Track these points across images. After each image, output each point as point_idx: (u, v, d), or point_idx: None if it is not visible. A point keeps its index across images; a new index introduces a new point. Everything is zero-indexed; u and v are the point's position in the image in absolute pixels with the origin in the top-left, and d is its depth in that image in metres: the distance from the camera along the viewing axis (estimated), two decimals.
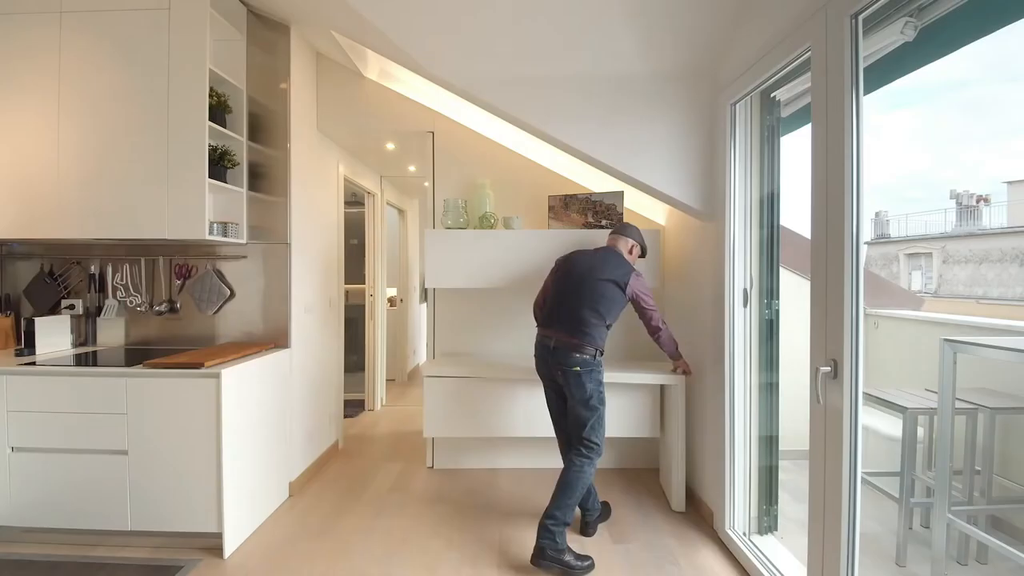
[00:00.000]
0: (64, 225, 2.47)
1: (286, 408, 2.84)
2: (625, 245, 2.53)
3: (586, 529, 2.50)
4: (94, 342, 2.88)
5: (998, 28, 1.49)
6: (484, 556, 2.29)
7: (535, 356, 2.48)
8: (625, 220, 3.16)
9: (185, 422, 2.23)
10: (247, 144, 2.79)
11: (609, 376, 2.92)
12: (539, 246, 3.05)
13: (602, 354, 2.36)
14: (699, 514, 2.68)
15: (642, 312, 2.45)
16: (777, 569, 2.01)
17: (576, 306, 2.34)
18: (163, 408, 2.24)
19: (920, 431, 2.36)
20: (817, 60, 1.64)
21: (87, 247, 2.85)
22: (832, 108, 1.56)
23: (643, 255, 2.62)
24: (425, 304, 3.48)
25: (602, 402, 2.34)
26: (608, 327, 2.36)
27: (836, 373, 1.55)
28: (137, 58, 2.45)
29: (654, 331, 2.50)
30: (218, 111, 2.60)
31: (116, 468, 2.26)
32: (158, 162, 2.44)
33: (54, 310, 2.84)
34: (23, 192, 2.48)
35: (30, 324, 2.61)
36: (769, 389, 2.32)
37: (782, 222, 2.27)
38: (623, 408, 2.98)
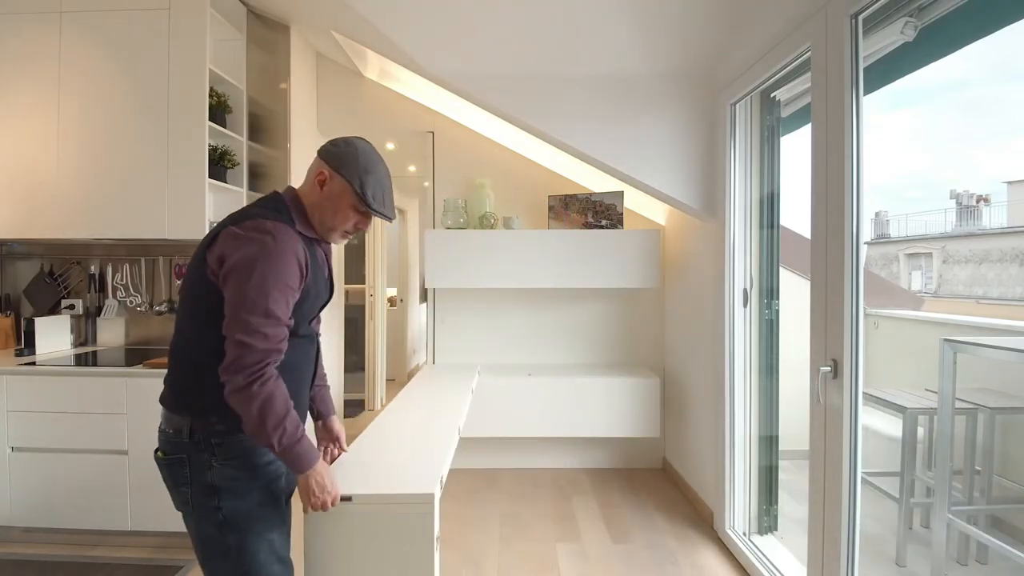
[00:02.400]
0: (64, 225, 2.47)
1: None
2: (312, 172, 1.22)
3: None
4: (94, 342, 2.88)
5: (998, 28, 1.49)
6: (484, 556, 2.29)
7: None
8: (625, 220, 3.16)
9: None
10: (247, 144, 2.79)
11: (597, 380, 2.92)
12: (539, 246, 3.06)
13: (226, 433, 1.12)
14: (699, 514, 2.68)
15: (228, 312, 1.07)
16: (777, 569, 2.01)
17: (176, 330, 1.20)
18: None
19: (920, 431, 2.35)
20: (817, 60, 1.64)
21: (87, 247, 2.85)
22: (832, 108, 1.56)
23: (368, 207, 1.19)
24: (425, 304, 3.48)
25: (244, 534, 1.13)
26: (211, 370, 1.07)
27: (836, 373, 1.55)
28: (137, 58, 2.45)
29: (231, 383, 1.05)
30: (218, 111, 2.60)
31: (116, 468, 2.25)
32: (158, 162, 2.44)
33: (54, 310, 2.84)
34: (23, 192, 2.48)
35: (30, 324, 2.61)
36: (769, 389, 2.32)
37: (782, 222, 2.27)
38: (623, 408, 2.98)
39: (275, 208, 1.17)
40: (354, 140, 1.23)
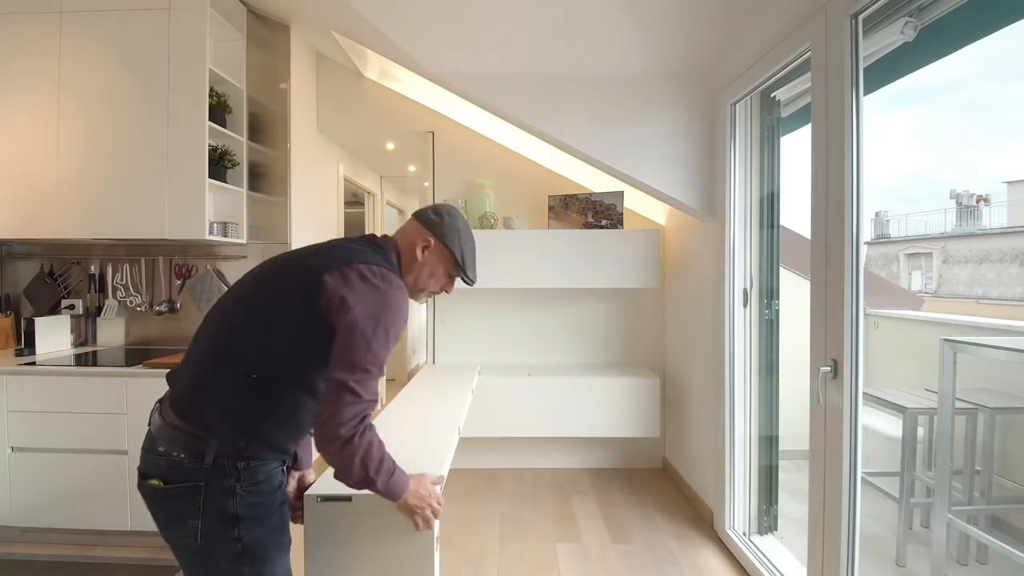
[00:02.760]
0: (64, 225, 2.47)
1: None
2: (415, 236, 1.26)
3: None
4: (94, 342, 2.88)
5: (998, 28, 1.49)
6: (484, 556, 2.29)
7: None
8: (625, 220, 3.16)
9: None
10: (247, 144, 2.79)
11: (597, 380, 2.93)
12: (539, 246, 3.06)
13: (252, 459, 1.06)
14: (699, 514, 2.68)
15: (335, 362, 1.04)
16: (777, 569, 2.01)
17: (212, 341, 1.11)
18: None
19: (920, 431, 2.36)
20: (817, 60, 1.64)
21: (87, 247, 2.85)
22: (832, 108, 1.56)
23: (462, 276, 1.30)
24: (425, 304, 3.48)
25: (260, 563, 1.08)
26: (270, 395, 1.07)
27: (836, 373, 1.55)
28: (137, 58, 2.45)
29: (333, 436, 1.02)
30: (218, 111, 2.60)
31: (116, 468, 2.25)
32: (158, 162, 2.44)
33: (54, 310, 2.84)
34: (23, 192, 2.48)
35: (30, 324, 2.61)
36: (769, 389, 2.32)
37: (782, 222, 2.27)
38: (623, 408, 2.98)
39: (388, 259, 1.19)
40: (452, 210, 1.29)
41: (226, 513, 1.04)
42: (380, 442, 1.07)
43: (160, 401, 1.14)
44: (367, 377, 1.03)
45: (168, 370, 1.16)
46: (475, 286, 3.06)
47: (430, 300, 3.37)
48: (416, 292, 1.27)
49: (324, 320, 1.04)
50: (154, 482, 1.05)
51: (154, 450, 1.06)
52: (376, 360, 1.04)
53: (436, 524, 1.23)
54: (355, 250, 1.14)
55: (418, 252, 1.23)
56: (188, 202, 2.45)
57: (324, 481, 1.30)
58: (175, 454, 1.04)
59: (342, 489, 1.21)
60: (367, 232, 1.28)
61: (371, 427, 1.05)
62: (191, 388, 1.08)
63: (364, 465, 1.03)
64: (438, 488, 1.23)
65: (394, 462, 1.10)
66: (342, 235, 3.74)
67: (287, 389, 1.08)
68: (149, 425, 1.11)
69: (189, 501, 1.03)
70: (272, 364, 1.06)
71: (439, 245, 1.25)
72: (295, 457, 1.25)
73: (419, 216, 1.27)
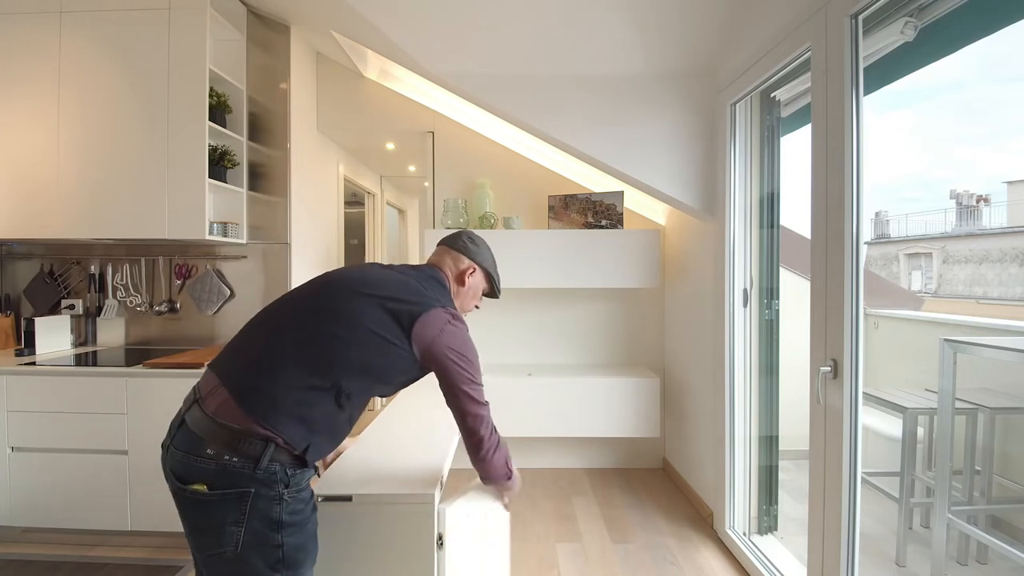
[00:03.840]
0: (64, 225, 2.47)
1: None
2: (455, 264, 1.40)
3: None
4: (94, 342, 2.88)
5: (998, 28, 1.49)
6: None
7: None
8: (625, 220, 3.16)
9: None
10: (247, 144, 2.79)
11: (597, 380, 2.92)
12: (539, 246, 3.06)
13: (301, 465, 1.09)
14: (699, 514, 2.68)
15: (453, 402, 1.23)
16: (777, 569, 2.01)
17: (288, 338, 1.13)
18: (163, 408, 2.23)
19: (920, 431, 2.36)
20: (817, 60, 1.64)
21: (87, 247, 2.85)
22: (832, 108, 1.56)
23: (492, 293, 1.50)
24: None
25: (295, 568, 1.08)
26: (343, 406, 1.13)
27: (836, 373, 1.55)
28: (137, 58, 2.45)
29: (476, 450, 1.31)
30: (218, 111, 2.60)
31: (116, 468, 2.25)
32: (158, 162, 2.44)
33: (54, 310, 2.84)
34: (23, 192, 2.48)
35: (30, 324, 2.61)
36: (769, 389, 2.32)
37: (782, 222, 2.27)
38: (623, 408, 2.98)
39: (449, 294, 1.36)
40: (477, 236, 1.48)
41: (272, 519, 1.03)
42: (504, 451, 1.38)
43: (197, 397, 1.10)
44: (482, 408, 1.25)
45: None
46: None
47: None
48: (460, 314, 1.40)
49: (416, 357, 1.18)
50: (197, 487, 1.01)
51: (199, 452, 1.02)
52: (476, 381, 1.24)
53: (436, 525, 1.24)
54: (437, 291, 1.30)
55: (467, 279, 1.40)
56: (188, 202, 2.45)
57: (324, 481, 1.30)
58: (227, 457, 1.01)
59: (342, 489, 1.21)
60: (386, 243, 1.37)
61: (498, 440, 1.34)
62: (253, 386, 1.06)
63: (508, 464, 1.38)
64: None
65: (512, 465, 1.43)
66: (342, 235, 3.75)
67: (353, 402, 1.15)
68: (183, 423, 1.07)
69: (235, 507, 1.01)
70: (359, 380, 1.13)
71: (478, 270, 1.43)
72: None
73: (456, 246, 1.43)
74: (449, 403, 1.23)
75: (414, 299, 1.20)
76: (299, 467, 1.08)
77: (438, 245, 1.47)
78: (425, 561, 1.22)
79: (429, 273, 1.34)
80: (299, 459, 1.08)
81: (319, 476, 1.32)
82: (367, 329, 1.13)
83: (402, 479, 1.35)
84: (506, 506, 1.50)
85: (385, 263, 1.41)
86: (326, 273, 1.28)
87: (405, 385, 1.25)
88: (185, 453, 1.04)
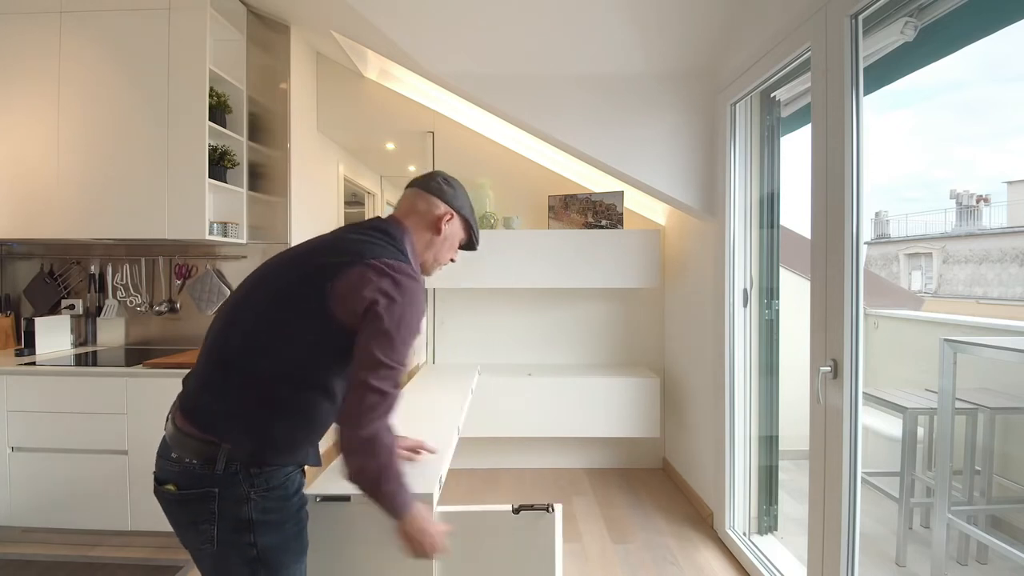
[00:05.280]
0: (64, 225, 2.47)
1: None
2: (429, 210, 1.23)
3: None
4: (94, 342, 2.88)
5: (998, 28, 1.49)
6: None
7: None
8: (625, 220, 3.16)
9: None
10: (247, 144, 2.79)
11: (597, 380, 2.90)
12: (539, 246, 3.06)
13: (264, 465, 1.05)
14: (699, 514, 2.68)
15: (358, 354, 1.02)
16: (777, 569, 2.01)
17: (221, 345, 1.09)
18: (163, 408, 2.20)
19: (920, 431, 2.36)
20: (817, 60, 1.64)
21: (87, 247, 2.85)
22: (832, 108, 1.56)
23: (470, 244, 1.34)
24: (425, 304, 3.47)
25: (276, 569, 1.06)
26: (287, 401, 1.05)
27: (836, 373, 1.55)
28: (137, 58, 2.45)
29: (355, 430, 1.00)
30: (218, 111, 2.60)
31: (116, 468, 2.25)
32: (158, 162, 2.44)
33: (54, 310, 2.84)
34: (23, 192, 2.48)
35: (30, 324, 2.61)
36: (769, 389, 2.32)
37: (782, 222, 2.27)
38: (623, 408, 2.98)
39: (401, 247, 1.14)
40: (454, 179, 1.27)
41: (240, 519, 1.03)
42: (396, 451, 1.05)
43: (173, 405, 1.12)
44: (391, 374, 1.01)
45: (183, 372, 1.14)
46: (475, 286, 3.09)
47: (429, 301, 3.37)
48: (432, 267, 1.25)
49: (341, 321, 1.02)
50: (169, 487, 1.04)
51: (167, 456, 1.05)
52: (397, 356, 1.01)
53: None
54: (367, 244, 1.09)
55: (443, 226, 1.21)
56: (188, 202, 2.45)
57: (323, 481, 1.30)
58: (188, 460, 1.03)
59: (342, 489, 1.21)
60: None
61: (391, 429, 1.03)
62: (200, 393, 1.07)
63: (379, 461, 1.01)
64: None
65: (405, 480, 1.06)
66: None
67: (301, 391, 1.05)
68: (165, 430, 1.10)
69: (203, 507, 1.02)
70: (285, 367, 1.04)
71: (455, 216, 1.23)
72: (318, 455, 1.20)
73: (429, 188, 1.22)
74: (359, 355, 1.01)
75: (334, 259, 1.05)
76: (267, 465, 1.04)
77: (407, 188, 1.26)
78: (424, 561, 1.22)
79: (374, 226, 1.16)
80: (257, 461, 1.04)
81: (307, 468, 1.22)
82: (284, 311, 1.04)
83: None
84: (413, 553, 1.09)
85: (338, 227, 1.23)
86: (264, 263, 1.16)
87: (350, 353, 1.04)
88: (160, 457, 1.08)
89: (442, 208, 1.22)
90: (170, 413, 1.11)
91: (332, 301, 1.01)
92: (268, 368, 1.03)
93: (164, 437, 1.09)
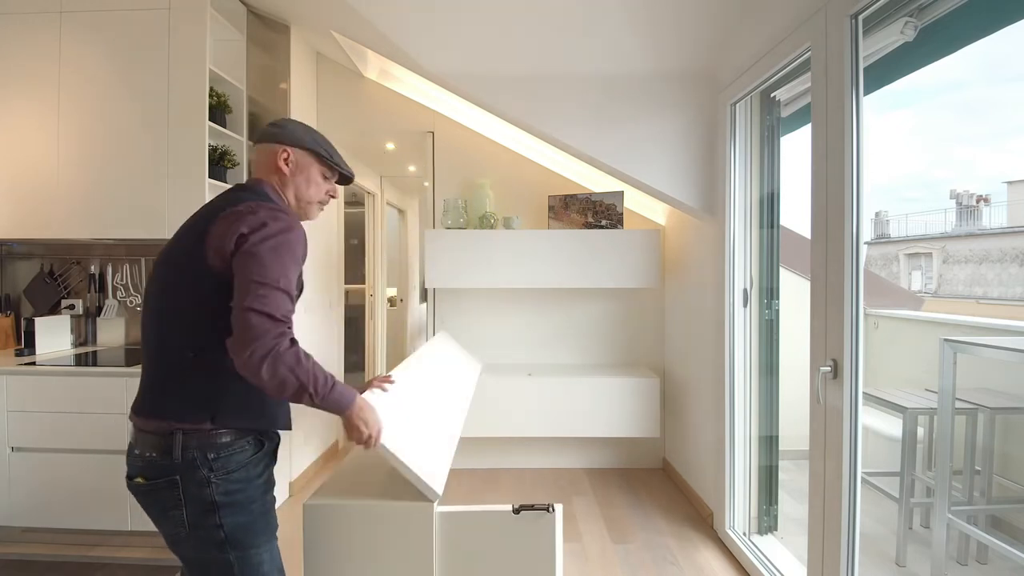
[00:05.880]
0: (64, 225, 2.47)
1: None
2: (267, 159, 1.22)
3: None
4: (94, 342, 2.88)
5: (998, 29, 1.49)
6: None
7: None
8: (625, 220, 3.16)
9: None
10: (247, 144, 2.79)
11: (597, 380, 2.91)
12: (539, 246, 3.06)
13: (228, 443, 1.09)
14: (699, 514, 2.68)
15: (237, 285, 1.04)
16: (777, 569, 2.01)
17: (143, 334, 1.16)
18: None
19: (920, 431, 2.36)
20: (817, 60, 1.64)
21: (87, 247, 2.85)
22: (832, 108, 1.56)
23: (337, 177, 1.31)
24: (425, 304, 3.48)
25: (246, 548, 1.11)
26: (208, 358, 1.07)
27: (836, 373, 1.55)
28: (137, 58, 2.45)
29: (249, 356, 1.00)
30: (218, 111, 2.60)
31: (116, 468, 2.24)
32: (158, 162, 2.44)
33: (54, 310, 2.84)
34: (23, 192, 2.48)
35: (30, 324, 2.61)
36: (769, 389, 2.32)
37: (782, 222, 2.27)
38: (623, 408, 2.98)
39: (261, 195, 1.16)
40: (288, 118, 1.28)
41: (205, 501, 1.07)
42: (307, 355, 1.05)
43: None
44: (269, 293, 1.00)
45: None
46: (475, 286, 3.09)
47: (423, 291, 3.37)
48: (305, 207, 1.25)
49: (222, 274, 1.05)
50: (138, 480, 1.11)
51: (131, 452, 1.13)
52: (272, 275, 1.02)
53: (434, 526, 1.23)
54: (227, 199, 1.14)
55: (281, 165, 1.20)
56: (188, 202, 2.45)
57: (322, 488, 1.30)
58: (148, 454, 1.09)
59: (340, 498, 1.20)
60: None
61: (293, 341, 1.03)
62: (144, 390, 1.14)
63: (290, 377, 1.01)
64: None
65: (332, 375, 1.09)
66: (342, 235, 3.75)
67: (222, 354, 1.03)
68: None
69: (170, 494, 1.08)
70: (198, 337, 1.07)
71: (296, 149, 1.21)
72: (288, 418, 1.23)
73: (261, 137, 1.24)
74: (236, 289, 1.02)
75: (204, 215, 1.11)
76: (224, 449, 1.08)
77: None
78: (424, 563, 1.22)
79: (237, 187, 1.22)
80: (223, 441, 1.08)
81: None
82: (175, 275, 1.10)
83: (402, 480, 1.35)
84: (357, 440, 1.14)
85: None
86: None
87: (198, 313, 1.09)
88: (127, 455, 1.16)
89: (275, 149, 1.21)
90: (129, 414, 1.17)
91: (209, 257, 1.04)
92: (183, 342, 1.08)
93: (130, 439, 1.17)
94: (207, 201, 1.24)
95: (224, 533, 1.08)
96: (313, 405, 1.06)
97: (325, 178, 1.27)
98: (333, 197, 1.30)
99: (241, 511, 1.10)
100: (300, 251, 1.10)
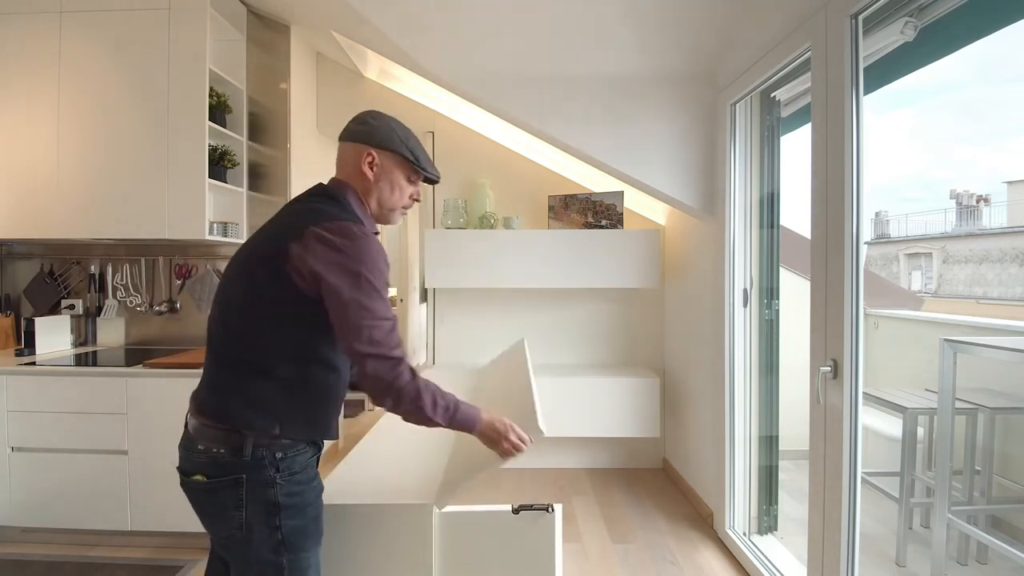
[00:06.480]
0: (64, 225, 2.47)
1: None
2: (353, 159, 1.17)
3: None
4: (94, 342, 2.88)
5: (998, 29, 1.49)
6: None
7: None
8: (625, 220, 3.16)
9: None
10: (247, 144, 2.79)
11: (597, 380, 2.91)
12: (539, 246, 3.06)
13: (291, 446, 1.08)
14: (699, 514, 2.68)
15: (336, 331, 1.05)
16: (777, 569, 2.01)
17: (212, 339, 1.13)
18: (163, 408, 2.23)
19: (920, 431, 2.36)
20: (817, 60, 1.64)
21: (87, 247, 2.85)
22: (832, 108, 1.56)
23: (425, 178, 1.23)
24: (425, 304, 3.48)
25: (298, 552, 1.08)
26: (281, 375, 1.06)
27: (836, 373, 1.55)
28: (137, 58, 2.45)
29: (376, 393, 1.06)
30: (218, 111, 2.60)
31: (116, 468, 2.25)
32: (158, 162, 2.44)
33: (54, 310, 2.84)
34: (23, 192, 2.48)
35: (30, 324, 2.61)
36: (769, 389, 2.32)
37: (782, 222, 2.27)
38: (623, 408, 2.98)
39: (344, 205, 1.12)
40: (376, 113, 1.19)
41: (268, 503, 1.05)
42: (426, 383, 1.07)
43: (192, 400, 1.13)
44: (377, 327, 1.02)
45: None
46: (475, 286, 3.09)
47: (423, 291, 3.37)
48: (387, 214, 1.20)
49: (304, 293, 1.03)
50: (197, 478, 1.06)
51: (193, 448, 1.07)
52: (376, 311, 1.03)
53: (434, 528, 1.23)
54: (308, 213, 1.09)
55: (366, 170, 1.14)
56: (188, 202, 2.45)
57: (327, 486, 1.30)
58: (215, 450, 1.05)
59: (341, 494, 1.20)
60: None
61: (412, 372, 1.06)
62: (209, 390, 1.10)
63: (419, 406, 1.06)
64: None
65: (455, 397, 1.12)
66: None
67: (299, 367, 1.07)
68: (186, 425, 1.12)
69: (232, 494, 1.04)
70: (273, 348, 1.06)
71: (382, 152, 1.15)
72: (337, 428, 1.22)
73: (348, 135, 1.17)
74: (339, 330, 1.03)
75: (283, 234, 1.06)
76: (291, 449, 1.07)
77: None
78: (424, 566, 1.22)
79: (319, 191, 1.17)
80: (286, 442, 1.07)
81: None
82: (254, 293, 1.06)
83: (402, 483, 1.35)
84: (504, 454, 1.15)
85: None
86: (241, 247, 1.18)
87: (323, 330, 1.07)
88: (184, 450, 1.10)
89: (360, 150, 1.15)
90: (189, 408, 1.13)
91: (294, 280, 1.02)
92: (262, 354, 1.06)
93: (187, 432, 1.11)
94: (292, 200, 1.21)
95: (282, 535, 1.06)
96: (444, 427, 1.11)
97: (410, 181, 1.20)
98: (417, 201, 1.24)
99: (298, 514, 1.08)
100: (387, 270, 1.09)
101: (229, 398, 1.06)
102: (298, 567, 1.08)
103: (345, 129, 1.18)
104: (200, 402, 1.09)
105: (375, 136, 1.15)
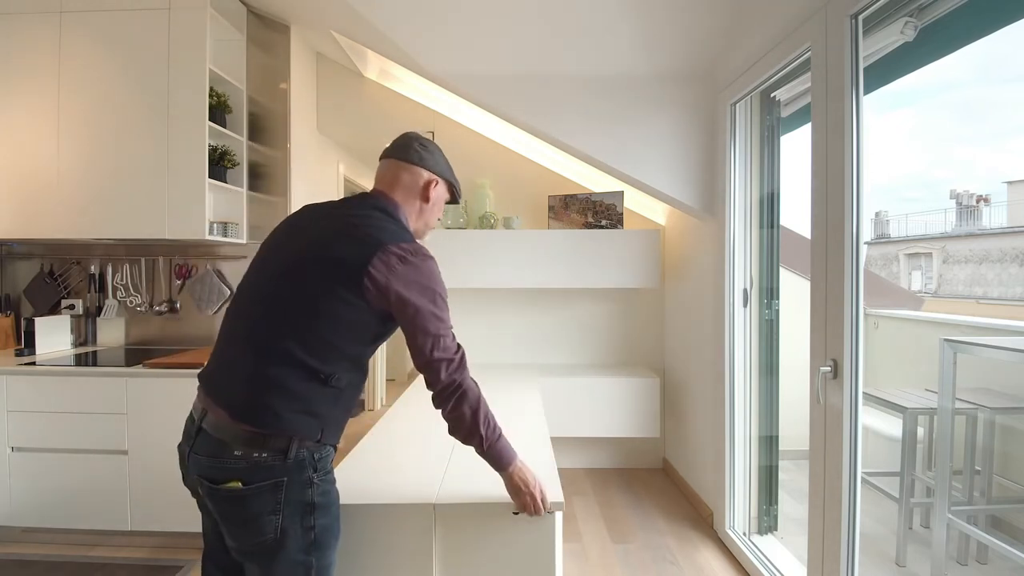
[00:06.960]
0: (64, 225, 2.47)
1: None
2: (414, 180, 1.22)
3: None
4: (94, 342, 2.88)
5: (998, 28, 1.49)
6: None
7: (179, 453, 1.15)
8: (625, 220, 3.16)
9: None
10: (247, 144, 2.79)
11: (597, 380, 2.92)
12: (539, 246, 3.06)
13: (324, 447, 1.10)
14: (699, 514, 2.68)
15: (413, 342, 1.10)
16: (777, 569, 2.01)
17: (256, 339, 1.08)
18: (163, 408, 2.23)
19: (920, 431, 2.36)
20: (817, 60, 1.64)
21: (87, 247, 2.85)
22: (832, 108, 1.56)
23: (453, 200, 1.34)
24: None
25: (323, 551, 1.09)
26: (336, 383, 1.08)
27: (836, 373, 1.55)
28: (137, 58, 2.45)
29: (442, 395, 1.12)
30: (218, 111, 2.60)
31: (116, 468, 2.25)
32: (158, 162, 2.44)
33: (54, 310, 2.84)
34: (23, 192, 2.48)
35: (30, 324, 2.61)
36: (769, 389, 2.32)
37: (782, 222, 2.27)
38: (623, 408, 2.98)
39: (403, 224, 1.18)
40: (425, 139, 1.26)
41: (304, 503, 1.05)
42: (482, 395, 1.15)
43: (207, 405, 1.08)
44: (446, 339, 1.11)
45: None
46: (475, 286, 3.09)
47: None
48: (423, 232, 1.28)
49: (379, 309, 1.07)
50: (232, 485, 1.02)
51: (227, 455, 1.02)
52: (445, 323, 1.12)
53: (434, 529, 1.23)
54: (376, 227, 1.11)
55: (430, 194, 1.23)
56: (188, 202, 2.45)
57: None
58: (256, 455, 1.02)
59: (344, 500, 1.20)
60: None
61: (474, 382, 1.15)
62: (249, 391, 1.04)
63: (476, 409, 1.12)
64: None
65: (502, 439, 1.16)
66: None
67: (351, 375, 1.11)
68: (201, 429, 1.07)
69: (271, 498, 1.03)
70: (329, 354, 1.06)
71: (439, 181, 1.25)
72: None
73: (408, 158, 1.21)
74: (418, 339, 1.09)
75: (356, 248, 1.07)
76: (323, 449, 1.10)
77: (383, 159, 1.24)
78: (425, 567, 1.22)
79: (372, 204, 1.17)
80: (320, 442, 1.09)
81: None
82: (319, 301, 1.05)
83: (403, 484, 1.35)
84: (526, 507, 1.17)
85: (321, 203, 1.23)
86: (267, 244, 1.18)
87: (384, 338, 1.16)
88: (211, 457, 1.04)
89: (426, 176, 1.22)
90: (201, 412, 1.08)
91: (370, 293, 1.05)
92: (316, 358, 1.05)
93: (209, 437, 1.05)
94: (338, 203, 1.22)
95: (315, 535, 1.07)
96: (481, 450, 1.14)
97: (445, 205, 1.32)
98: (439, 220, 1.37)
99: (327, 513, 1.10)
100: (443, 286, 1.15)
101: (280, 402, 1.03)
102: (323, 564, 1.09)
103: (404, 151, 1.22)
104: (237, 402, 1.04)
105: (439, 164, 1.25)
